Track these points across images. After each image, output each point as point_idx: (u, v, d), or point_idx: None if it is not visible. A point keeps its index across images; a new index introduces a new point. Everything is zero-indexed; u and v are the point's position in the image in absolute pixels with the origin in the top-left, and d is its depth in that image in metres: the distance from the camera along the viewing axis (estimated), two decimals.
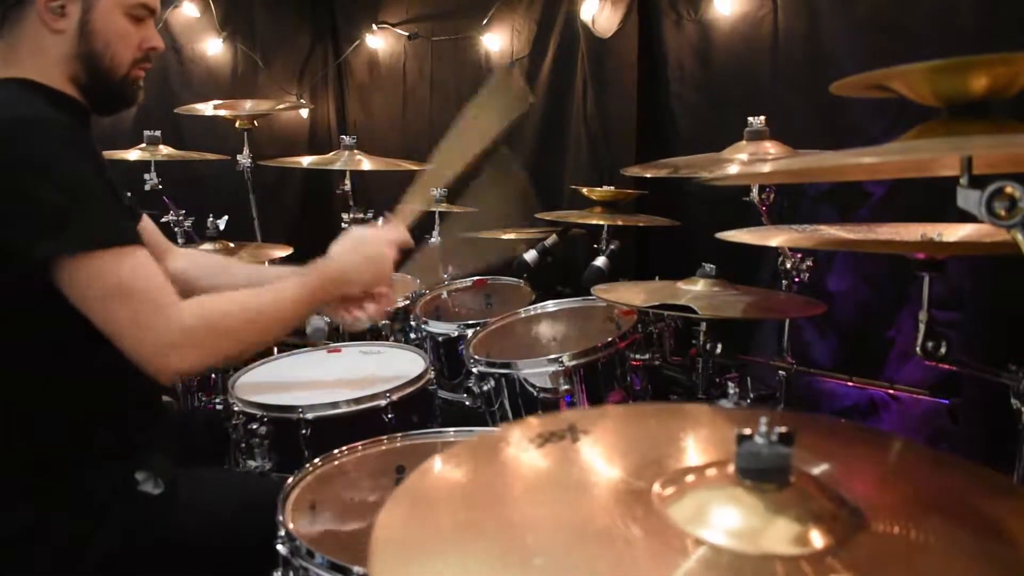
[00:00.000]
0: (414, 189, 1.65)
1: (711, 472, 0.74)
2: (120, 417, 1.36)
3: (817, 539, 0.64)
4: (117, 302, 1.19)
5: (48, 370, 1.26)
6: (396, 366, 2.06)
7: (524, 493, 0.78)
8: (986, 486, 0.79)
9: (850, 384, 2.44)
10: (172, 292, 1.24)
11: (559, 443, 0.84)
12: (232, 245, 2.77)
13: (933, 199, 1.21)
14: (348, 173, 3.11)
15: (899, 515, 0.69)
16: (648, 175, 2.14)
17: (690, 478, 0.74)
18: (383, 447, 1.58)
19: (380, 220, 1.60)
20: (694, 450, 0.85)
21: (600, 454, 0.84)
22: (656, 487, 0.73)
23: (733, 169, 1.83)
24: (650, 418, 0.97)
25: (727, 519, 0.66)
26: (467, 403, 2.19)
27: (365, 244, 1.48)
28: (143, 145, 3.03)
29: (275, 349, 2.43)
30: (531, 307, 2.41)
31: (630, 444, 0.88)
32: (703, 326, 1.82)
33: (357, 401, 1.81)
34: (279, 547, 1.23)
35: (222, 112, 3.34)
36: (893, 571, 0.63)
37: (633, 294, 1.88)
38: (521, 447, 0.84)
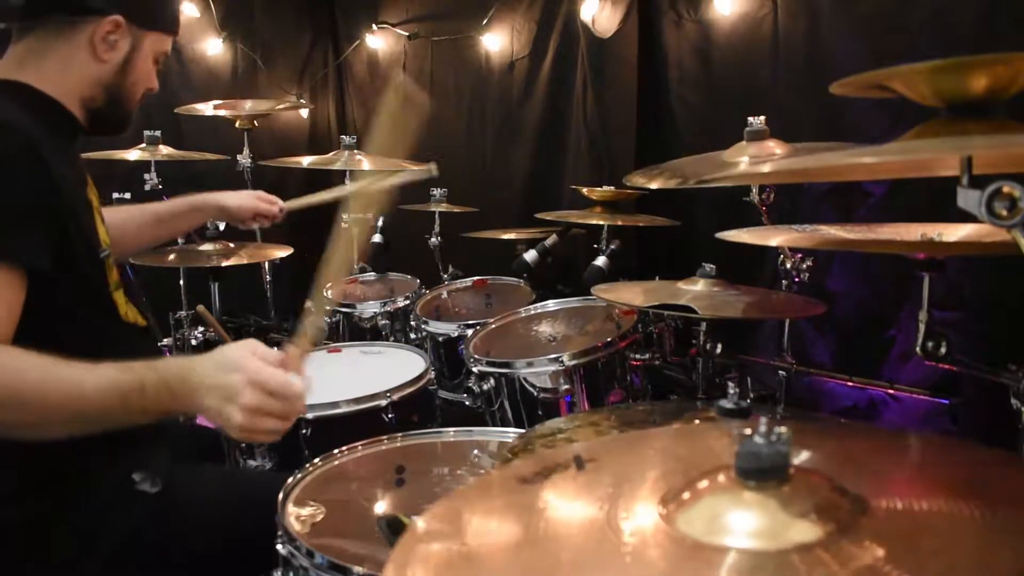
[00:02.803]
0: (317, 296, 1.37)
1: (712, 480, 0.74)
2: None
3: (824, 526, 0.65)
4: None
5: None
6: (396, 366, 2.06)
7: (541, 534, 0.74)
8: (988, 463, 0.80)
9: (850, 384, 2.43)
10: None
11: (564, 474, 0.82)
12: (232, 245, 2.77)
13: (933, 199, 1.21)
14: (348, 173, 3.10)
15: (901, 497, 0.70)
16: (653, 186, 1.83)
17: (696, 487, 0.74)
18: (383, 447, 1.58)
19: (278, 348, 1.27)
20: (691, 461, 0.84)
21: (608, 481, 0.81)
22: (664, 504, 0.73)
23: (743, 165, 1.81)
24: (647, 438, 0.96)
25: (740, 522, 0.67)
26: (467, 403, 2.19)
27: (227, 380, 1.13)
28: (143, 145, 3.04)
29: (275, 348, 2.43)
30: (531, 307, 2.41)
31: (634, 467, 0.87)
32: (703, 326, 1.81)
33: (357, 401, 1.81)
34: (279, 547, 1.23)
35: (222, 112, 3.34)
36: (901, 547, 0.64)
37: (633, 294, 1.88)
38: (525, 484, 0.81)
